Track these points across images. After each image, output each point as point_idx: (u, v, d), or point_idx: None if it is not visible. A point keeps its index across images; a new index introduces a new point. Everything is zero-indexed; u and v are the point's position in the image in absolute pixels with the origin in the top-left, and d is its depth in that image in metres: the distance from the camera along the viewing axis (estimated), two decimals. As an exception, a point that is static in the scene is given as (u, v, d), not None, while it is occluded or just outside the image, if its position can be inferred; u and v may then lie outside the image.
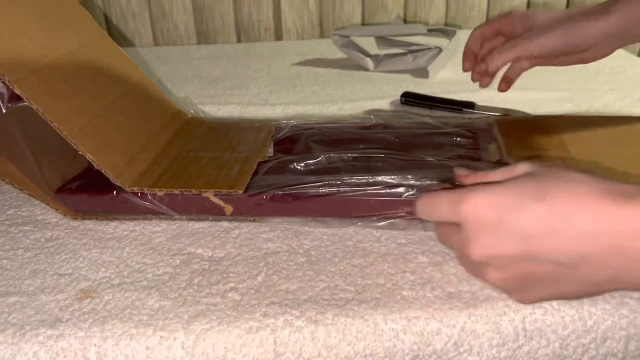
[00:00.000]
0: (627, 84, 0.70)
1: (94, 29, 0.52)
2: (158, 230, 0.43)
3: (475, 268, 0.33)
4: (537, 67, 0.79)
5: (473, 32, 0.56)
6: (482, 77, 0.56)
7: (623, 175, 0.38)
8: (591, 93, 0.67)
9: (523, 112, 0.60)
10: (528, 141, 0.47)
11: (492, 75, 0.55)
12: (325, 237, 0.41)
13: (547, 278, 0.30)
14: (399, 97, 0.65)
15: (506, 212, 0.29)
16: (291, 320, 0.33)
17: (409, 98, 0.64)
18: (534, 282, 0.31)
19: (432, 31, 0.77)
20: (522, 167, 0.33)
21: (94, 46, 0.50)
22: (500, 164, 0.45)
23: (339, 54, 0.84)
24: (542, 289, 0.31)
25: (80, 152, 0.41)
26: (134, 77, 0.53)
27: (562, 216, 0.28)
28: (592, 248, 0.28)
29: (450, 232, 0.34)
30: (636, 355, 0.34)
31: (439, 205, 0.33)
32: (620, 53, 0.84)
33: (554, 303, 0.34)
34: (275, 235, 0.42)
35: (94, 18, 0.52)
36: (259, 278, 0.37)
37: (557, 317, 0.33)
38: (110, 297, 0.36)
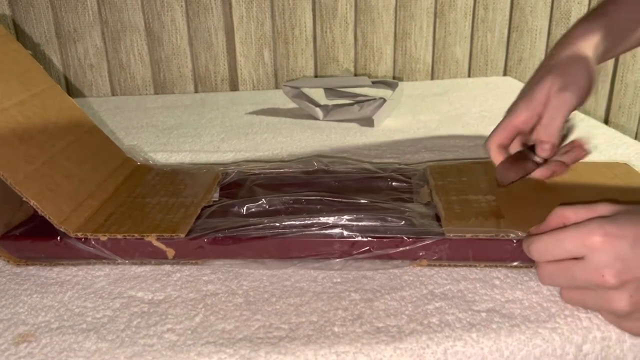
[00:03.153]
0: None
1: (45, 80, 0.53)
2: (101, 274, 0.44)
3: (601, 296, 0.35)
4: (474, 118, 0.85)
5: (490, 146, 0.48)
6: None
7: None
8: (523, 140, 0.72)
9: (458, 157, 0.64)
10: (457, 184, 0.51)
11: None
12: (264, 278, 0.43)
13: None
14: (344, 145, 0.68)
15: (634, 239, 0.33)
16: (225, 358, 0.34)
17: None
18: None
19: (376, 83, 0.82)
20: (604, 207, 0.36)
21: (44, 97, 0.52)
22: (430, 205, 0.48)
23: (292, 104, 0.88)
24: None
25: (25, 199, 0.43)
26: (84, 126, 0.55)
27: None
28: None
29: (566, 268, 0.36)
30: (551, 383, 0.36)
31: (561, 243, 0.35)
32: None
33: (473, 335, 0.36)
34: (215, 277, 0.43)
35: (52, 69, 0.54)
36: (197, 319, 0.38)
37: (476, 348, 0.35)
38: (48, 341, 0.36)
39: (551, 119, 0.45)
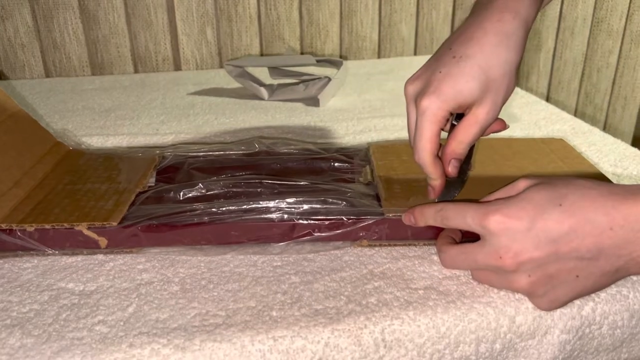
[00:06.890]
0: (503, 112, 0.76)
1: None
2: (28, 266, 0.42)
3: (503, 277, 0.36)
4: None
5: (427, 160, 0.41)
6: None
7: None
8: (465, 117, 0.73)
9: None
10: (397, 164, 0.51)
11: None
12: (202, 265, 0.42)
13: (569, 276, 0.34)
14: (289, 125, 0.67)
15: (531, 221, 0.33)
16: (158, 349, 0.33)
17: None
18: (557, 283, 0.34)
19: (320, 62, 0.81)
20: (524, 182, 0.37)
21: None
22: (371, 185, 0.48)
23: (236, 84, 0.86)
24: (563, 289, 0.35)
25: (-61, 190, 0.40)
26: (7, 111, 0.51)
27: (580, 217, 0.33)
28: (609, 241, 0.33)
29: (467, 252, 0.36)
30: (487, 356, 0.37)
31: (462, 213, 0.36)
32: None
33: (410, 313, 0.36)
34: (150, 266, 0.42)
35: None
36: (130, 309, 0.37)
37: (413, 326, 0.36)
38: (-33, 340, 0.34)
39: (465, 136, 0.41)
